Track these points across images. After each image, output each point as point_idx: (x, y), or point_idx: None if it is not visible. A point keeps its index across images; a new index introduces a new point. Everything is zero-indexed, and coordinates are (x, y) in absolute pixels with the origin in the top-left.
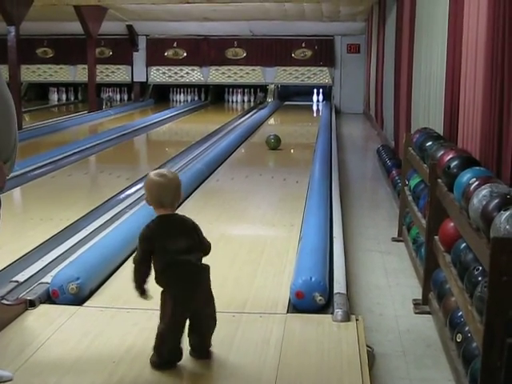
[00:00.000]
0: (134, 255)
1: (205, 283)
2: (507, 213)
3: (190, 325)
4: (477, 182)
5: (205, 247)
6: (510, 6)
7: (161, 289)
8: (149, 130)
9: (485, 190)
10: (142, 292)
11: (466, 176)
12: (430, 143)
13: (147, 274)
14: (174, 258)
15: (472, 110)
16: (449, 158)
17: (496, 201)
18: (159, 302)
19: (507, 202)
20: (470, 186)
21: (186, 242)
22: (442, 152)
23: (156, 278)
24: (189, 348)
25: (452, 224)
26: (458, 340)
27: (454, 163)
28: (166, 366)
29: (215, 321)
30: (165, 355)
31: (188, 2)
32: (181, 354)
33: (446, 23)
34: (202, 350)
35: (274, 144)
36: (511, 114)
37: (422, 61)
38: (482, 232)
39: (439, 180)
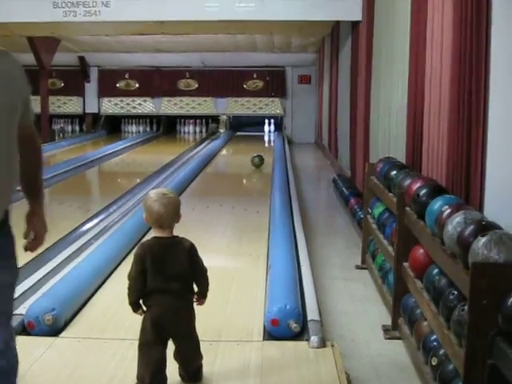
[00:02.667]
0: (129, 271)
1: (184, 312)
2: (484, 238)
3: (174, 349)
4: (449, 210)
5: (198, 273)
6: (475, 28)
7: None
8: (102, 162)
9: (459, 217)
10: (137, 308)
11: (437, 204)
12: (395, 172)
13: (141, 291)
14: (159, 283)
15: (437, 138)
16: (417, 186)
17: (471, 227)
18: (133, 331)
19: (482, 228)
20: (442, 214)
21: (174, 268)
22: (409, 181)
23: (144, 299)
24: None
25: (422, 250)
26: (434, 363)
27: (423, 191)
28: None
29: (198, 351)
30: (147, 381)
31: (142, 34)
32: (165, 380)
33: (407, 51)
34: (186, 376)
35: (258, 163)
36: (479, 141)
37: (381, 90)
38: (458, 258)
39: (407, 208)
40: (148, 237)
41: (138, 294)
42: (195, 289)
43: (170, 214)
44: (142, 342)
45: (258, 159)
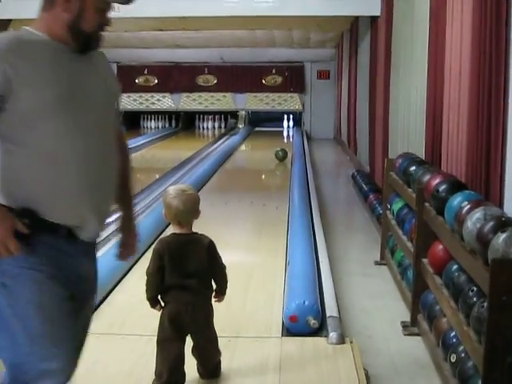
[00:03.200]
0: (147, 267)
1: (201, 308)
2: (504, 235)
3: (192, 346)
4: (469, 206)
5: (216, 270)
6: (494, 25)
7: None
8: None
9: (478, 213)
10: (155, 304)
11: (457, 199)
12: (414, 168)
13: (159, 287)
14: (177, 280)
15: (456, 134)
16: (436, 182)
17: (491, 223)
18: (152, 327)
19: (502, 224)
20: (462, 210)
21: (192, 265)
22: (428, 176)
23: (162, 295)
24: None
25: (441, 246)
26: (453, 360)
27: (443, 187)
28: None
29: (216, 347)
30: (165, 376)
31: (161, 30)
32: (183, 376)
33: (426, 47)
34: (204, 372)
35: (283, 156)
36: (499, 137)
37: (400, 85)
38: (477, 254)
39: (426, 204)
40: (167, 233)
41: (156, 290)
42: (213, 285)
43: (189, 210)
44: (161, 338)
45: (282, 153)
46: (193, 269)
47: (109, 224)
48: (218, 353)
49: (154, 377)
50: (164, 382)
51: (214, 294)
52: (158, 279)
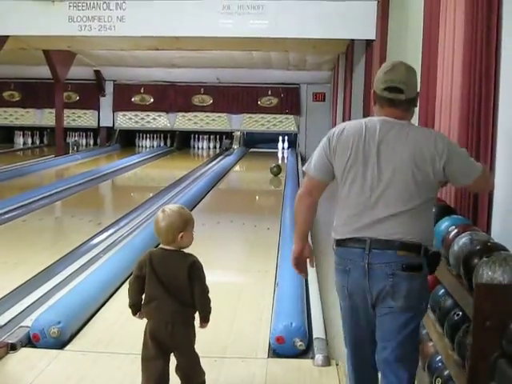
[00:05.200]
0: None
1: (179, 327)
2: (489, 260)
3: (175, 364)
4: (456, 230)
5: (196, 292)
6: (485, 53)
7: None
8: (115, 176)
9: (465, 238)
10: (134, 312)
11: (444, 224)
12: None
13: (137, 297)
14: (156, 294)
15: None
16: None
17: (477, 248)
18: (138, 346)
19: (488, 249)
20: (449, 234)
21: (172, 281)
22: None
23: (142, 306)
24: None
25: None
26: None
27: None
28: None
29: (198, 367)
30: None
31: (157, 49)
32: None
33: (419, 74)
34: None
35: (277, 171)
36: (487, 164)
37: None
38: (463, 278)
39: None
40: None
41: (134, 299)
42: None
43: (164, 229)
44: (144, 355)
45: (276, 169)
46: (172, 285)
47: (97, 244)
48: (201, 373)
49: None
50: None
51: (197, 320)
52: (136, 288)
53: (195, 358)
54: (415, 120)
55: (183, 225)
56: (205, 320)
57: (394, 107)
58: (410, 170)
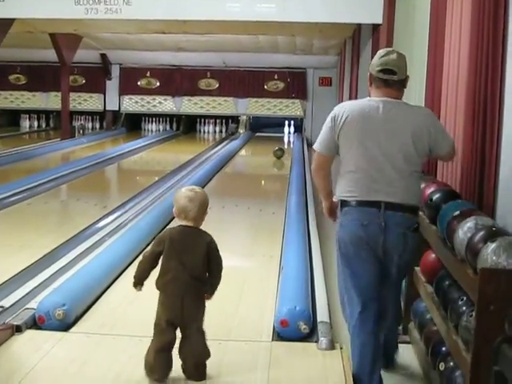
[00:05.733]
0: (146, 250)
1: (190, 302)
2: (493, 244)
3: (180, 341)
4: (461, 215)
5: (211, 269)
6: (492, 35)
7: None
8: (121, 159)
9: (470, 223)
10: (137, 284)
11: (450, 209)
12: None
13: (148, 272)
14: (172, 268)
15: None
16: (431, 191)
17: (481, 233)
18: (146, 327)
19: (493, 234)
20: (454, 219)
21: (189, 257)
22: (423, 185)
23: (156, 279)
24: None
25: (433, 255)
26: (441, 369)
27: (437, 196)
28: (155, 372)
29: (203, 344)
30: (151, 358)
31: (164, 33)
32: (169, 361)
33: (425, 56)
34: (190, 369)
35: (280, 154)
36: (493, 149)
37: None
38: (467, 263)
39: (420, 212)
40: None
41: (142, 274)
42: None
43: (196, 206)
44: (155, 323)
45: (280, 152)
46: (189, 261)
47: (103, 227)
48: (205, 352)
49: (143, 377)
50: (151, 364)
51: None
52: (149, 262)
53: (202, 335)
54: (422, 102)
55: (207, 206)
56: (212, 294)
57: (389, 87)
58: (412, 142)
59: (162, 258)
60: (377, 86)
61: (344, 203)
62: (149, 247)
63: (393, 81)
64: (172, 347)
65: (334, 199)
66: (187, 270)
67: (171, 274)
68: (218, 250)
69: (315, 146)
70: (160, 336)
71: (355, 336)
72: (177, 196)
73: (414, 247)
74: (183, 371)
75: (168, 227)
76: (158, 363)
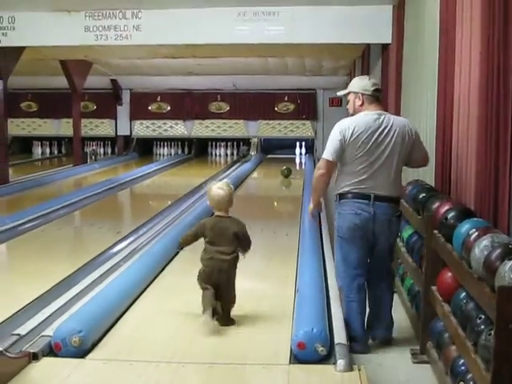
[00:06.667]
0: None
1: (226, 272)
2: (511, 262)
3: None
4: (476, 233)
5: (242, 245)
6: (503, 53)
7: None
8: (133, 184)
9: (486, 241)
10: (182, 247)
11: (465, 227)
12: (423, 195)
13: (190, 243)
14: (212, 247)
15: (465, 162)
16: (445, 209)
17: (498, 250)
18: (160, 353)
19: (509, 252)
20: (469, 237)
21: (223, 239)
22: (437, 204)
23: (201, 256)
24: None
25: (450, 274)
26: None
27: (451, 214)
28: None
29: (232, 298)
30: (205, 307)
31: (173, 57)
32: (215, 311)
33: (436, 76)
34: (222, 318)
35: (287, 173)
36: (507, 166)
37: (411, 113)
38: (484, 281)
39: (435, 231)
40: (175, 262)
41: (185, 243)
42: (239, 256)
43: (225, 201)
44: (200, 286)
45: (287, 171)
46: (223, 242)
47: (117, 252)
48: (233, 302)
49: None
50: (205, 312)
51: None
52: (190, 240)
53: (234, 290)
54: (433, 120)
55: (233, 198)
56: (245, 253)
57: (378, 102)
58: (399, 147)
59: (204, 240)
60: (370, 102)
61: (342, 196)
62: (191, 228)
63: (380, 96)
64: (213, 297)
65: (335, 193)
66: (225, 247)
67: (210, 254)
68: (245, 231)
69: (326, 156)
70: (205, 294)
71: (347, 298)
72: (210, 193)
73: (397, 230)
74: (217, 320)
75: (208, 217)
76: (204, 299)
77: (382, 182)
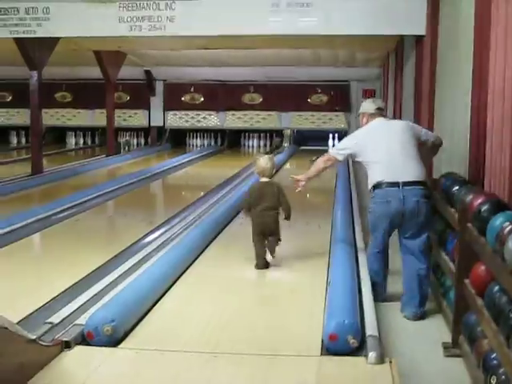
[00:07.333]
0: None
1: (274, 224)
2: None
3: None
4: (510, 226)
5: (282, 203)
6: None
7: None
8: (166, 175)
9: None
10: (247, 214)
11: (499, 220)
12: (457, 187)
13: (247, 207)
14: (259, 207)
15: (499, 154)
16: (479, 202)
17: None
18: (191, 344)
19: None
20: (503, 230)
21: (269, 198)
22: (471, 196)
23: (251, 213)
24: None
25: (483, 267)
26: (493, 382)
27: (485, 207)
28: (258, 263)
29: (280, 240)
30: (256, 258)
31: (206, 48)
32: (266, 261)
33: (471, 68)
34: (271, 252)
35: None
36: None
37: (445, 106)
38: None
39: (469, 224)
40: (208, 252)
41: (245, 208)
42: (280, 210)
43: (269, 168)
44: (253, 239)
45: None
46: (268, 201)
47: (149, 242)
48: (279, 241)
49: None
50: (257, 262)
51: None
52: (246, 205)
53: (278, 239)
54: (468, 112)
55: (275, 167)
56: (288, 218)
57: (381, 116)
58: (404, 133)
59: (252, 201)
60: (373, 117)
61: (376, 186)
62: (243, 198)
63: (383, 112)
64: (266, 252)
65: (369, 186)
66: (269, 206)
67: (258, 212)
68: (283, 192)
69: (336, 153)
70: (257, 245)
71: (372, 258)
72: (257, 162)
73: (428, 210)
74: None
75: (252, 183)
76: (257, 250)
77: (408, 167)
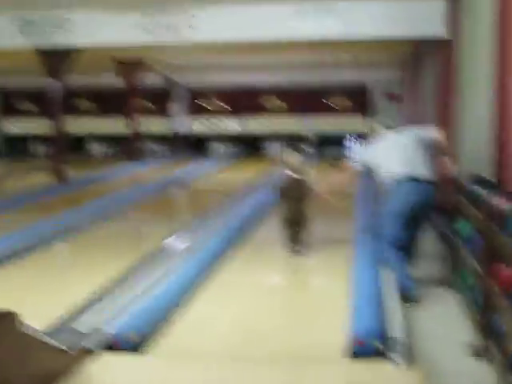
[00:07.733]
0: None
1: (301, 211)
2: None
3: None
4: None
5: (307, 200)
6: None
7: None
8: (189, 181)
9: None
10: (281, 198)
11: None
12: (482, 190)
13: (282, 196)
14: (288, 197)
15: None
16: (505, 203)
17: None
18: (217, 349)
19: None
20: None
21: (296, 191)
22: (497, 198)
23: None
24: None
25: (509, 269)
26: None
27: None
28: (289, 245)
29: (307, 228)
30: (286, 237)
31: (229, 54)
32: (297, 242)
33: (492, 70)
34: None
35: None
36: None
37: (466, 107)
38: None
39: (494, 226)
40: (232, 258)
41: (281, 195)
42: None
43: (296, 163)
44: (283, 225)
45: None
46: (296, 192)
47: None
48: (306, 229)
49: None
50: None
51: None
52: (280, 192)
53: (306, 222)
54: (491, 114)
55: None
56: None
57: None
58: (408, 140)
59: (284, 193)
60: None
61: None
62: (277, 186)
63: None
64: (296, 231)
65: (387, 180)
66: (295, 194)
67: (288, 202)
68: (308, 184)
69: (355, 165)
70: (287, 231)
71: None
72: (287, 159)
73: (432, 203)
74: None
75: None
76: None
77: (416, 167)
